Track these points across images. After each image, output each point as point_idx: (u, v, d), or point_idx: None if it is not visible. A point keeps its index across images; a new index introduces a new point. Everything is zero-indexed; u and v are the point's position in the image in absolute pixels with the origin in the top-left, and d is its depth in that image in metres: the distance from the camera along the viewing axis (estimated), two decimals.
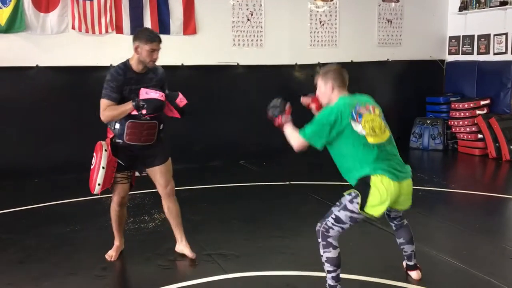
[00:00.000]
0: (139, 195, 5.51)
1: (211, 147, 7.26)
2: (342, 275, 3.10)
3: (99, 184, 3.44)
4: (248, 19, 7.36)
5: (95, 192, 3.50)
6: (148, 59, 3.46)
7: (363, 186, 2.92)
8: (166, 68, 6.90)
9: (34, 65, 6.28)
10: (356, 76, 7.99)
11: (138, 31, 3.68)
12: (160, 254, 3.86)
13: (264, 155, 7.30)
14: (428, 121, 8.21)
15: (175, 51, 6.93)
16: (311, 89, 3.38)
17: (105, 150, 3.46)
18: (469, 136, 7.76)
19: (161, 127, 3.63)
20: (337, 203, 3.06)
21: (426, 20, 8.54)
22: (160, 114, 3.52)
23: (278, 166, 6.93)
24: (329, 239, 3.03)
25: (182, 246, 3.82)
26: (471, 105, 7.76)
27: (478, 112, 7.70)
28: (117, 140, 3.55)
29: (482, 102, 7.77)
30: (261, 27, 7.45)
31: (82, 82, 6.57)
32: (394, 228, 3.42)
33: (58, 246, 4.10)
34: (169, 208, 3.78)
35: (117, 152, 3.53)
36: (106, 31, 6.54)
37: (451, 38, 8.63)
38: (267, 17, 7.45)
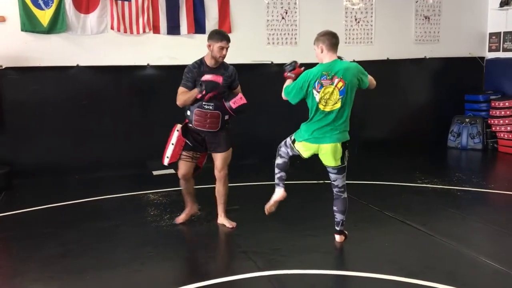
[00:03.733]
0: (175, 192, 5.60)
1: (244, 146, 7.28)
2: (378, 275, 3.26)
3: (167, 157, 4.21)
4: (283, 18, 7.36)
5: (164, 163, 4.24)
6: (218, 54, 4.14)
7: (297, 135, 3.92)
8: None
9: (75, 64, 6.46)
10: (392, 74, 8.04)
11: (211, 32, 4.30)
12: (196, 250, 3.92)
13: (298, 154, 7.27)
14: (467, 120, 8.01)
15: None
16: None
17: (177, 131, 4.22)
18: (510, 135, 7.53)
19: (226, 117, 4.25)
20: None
21: (465, 16, 8.33)
22: (221, 102, 4.16)
23: (312, 165, 6.87)
24: (279, 151, 4.02)
25: (222, 219, 4.47)
26: None
27: None
28: (190, 124, 4.27)
29: None
30: (296, 25, 7.43)
31: (120, 81, 6.73)
32: (334, 197, 4.01)
33: (98, 240, 4.21)
34: (218, 189, 4.44)
35: (188, 134, 4.25)
36: (144, 31, 6.66)
37: (491, 34, 8.38)
38: (302, 15, 7.42)
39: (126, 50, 6.64)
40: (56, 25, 6.29)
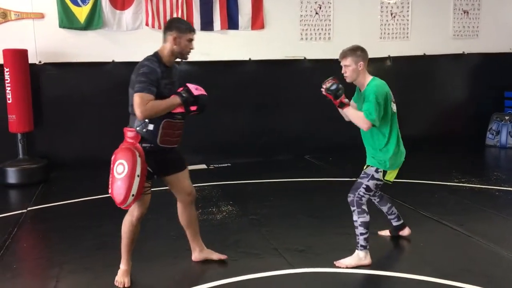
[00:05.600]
0: (207, 187, 5.64)
1: (277, 141, 7.29)
2: (412, 276, 3.21)
3: (132, 195, 3.03)
4: (317, 13, 7.28)
5: (126, 204, 3.08)
6: (187, 49, 3.25)
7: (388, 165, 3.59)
8: (234, 62, 7.08)
9: (110, 60, 6.58)
10: (429, 70, 7.86)
11: (171, 21, 3.39)
12: (227, 245, 3.93)
13: (330, 150, 7.22)
14: (507, 118, 7.76)
15: (243, 46, 7.01)
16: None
17: (139, 157, 3.04)
18: None
19: None
20: (363, 175, 3.60)
21: (506, 10, 8.06)
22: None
23: (343, 162, 6.83)
24: (363, 206, 3.56)
25: (207, 252, 3.64)
26: None
27: None
28: (144, 145, 3.14)
29: None
30: (330, 20, 7.35)
31: None
32: (377, 200, 3.94)
33: None
34: (191, 216, 3.53)
35: (148, 158, 3.12)
36: None
37: None
38: (336, 10, 7.33)
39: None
40: (93, 21, 6.42)
